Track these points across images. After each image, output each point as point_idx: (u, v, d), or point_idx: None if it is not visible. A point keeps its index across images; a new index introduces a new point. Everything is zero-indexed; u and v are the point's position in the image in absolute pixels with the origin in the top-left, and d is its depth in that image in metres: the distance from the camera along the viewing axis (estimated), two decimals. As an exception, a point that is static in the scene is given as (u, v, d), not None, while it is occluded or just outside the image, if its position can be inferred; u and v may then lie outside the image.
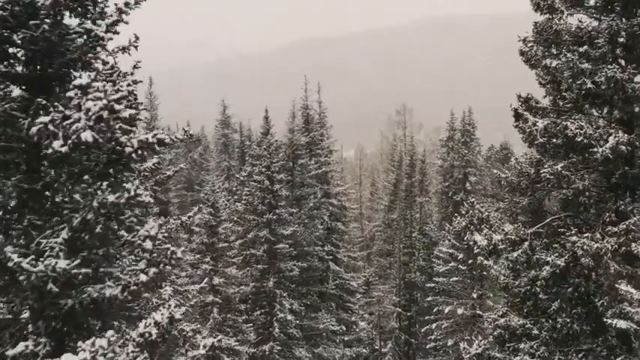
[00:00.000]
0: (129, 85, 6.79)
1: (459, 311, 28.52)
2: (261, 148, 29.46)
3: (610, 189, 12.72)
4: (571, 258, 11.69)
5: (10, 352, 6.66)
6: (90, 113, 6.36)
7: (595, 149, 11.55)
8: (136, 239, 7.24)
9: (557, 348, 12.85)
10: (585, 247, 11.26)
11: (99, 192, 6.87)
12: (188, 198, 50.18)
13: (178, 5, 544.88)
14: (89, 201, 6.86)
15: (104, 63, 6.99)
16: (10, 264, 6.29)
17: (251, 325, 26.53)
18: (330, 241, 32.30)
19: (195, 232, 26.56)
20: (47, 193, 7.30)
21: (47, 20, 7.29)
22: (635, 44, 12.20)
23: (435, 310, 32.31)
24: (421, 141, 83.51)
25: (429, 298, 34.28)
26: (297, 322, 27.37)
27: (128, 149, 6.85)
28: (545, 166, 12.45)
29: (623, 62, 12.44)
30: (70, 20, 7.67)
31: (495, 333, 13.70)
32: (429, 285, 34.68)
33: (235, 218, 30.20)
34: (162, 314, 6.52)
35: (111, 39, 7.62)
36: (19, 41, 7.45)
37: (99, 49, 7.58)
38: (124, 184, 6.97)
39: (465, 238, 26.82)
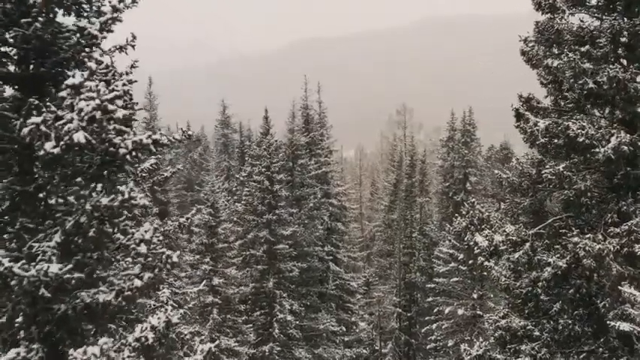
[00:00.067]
0: (124, 84, 6.63)
1: (460, 312, 28.42)
2: (261, 148, 29.38)
3: (612, 189, 12.62)
4: (573, 259, 11.59)
5: (2, 359, 6.53)
6: (82, 114, 6.23)
7: (597, 149, 11.46)
8: (131, 243, 7.08)
9: (558, 349, 12.76)
10: (587, 248, 11.18)
11: (94, 194, 6.72)
12: (188, 198, 50.09)
13: (179, 6, 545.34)
14: (82, 204, 6.72)
15: (98, 62, 6.81)
16: (1, 268, 6.16)
17: (251, 325, 26.47)
18: (330, 242, 32.22)
19: (195, 232, 26.48)
20: (40, 195, 7.15)
21: (40, 18, 7.15)
22: (637, 44, 12.09)
23: (435, 310, 32.23)
24: (421, 141, 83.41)
25: (430, 299, 34.20)
26: (297, 322, 27.30)
27: (122, 151, 6.71)
28: (547, 166, 12.36)
29: (624, 62, 12.36)
30: (64, 18, 7.54)
31: (496, 334, 13.61)
32: (429, 285, 34.60)
33: (235, 219, 30.14)
34: (158, 318, 6.39)
35: (105, 38, 7.47)
36: (11, 40, 7.32)
37: (93, 47, 7.42)
38: (118, 187, 6.81)
39: (466, 239, 26.72)
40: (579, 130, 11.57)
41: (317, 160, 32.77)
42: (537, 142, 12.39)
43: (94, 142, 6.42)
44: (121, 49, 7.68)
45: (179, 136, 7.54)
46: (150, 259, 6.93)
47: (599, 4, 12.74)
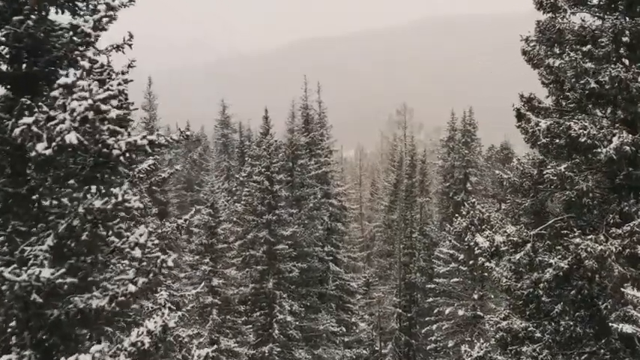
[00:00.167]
0: (119, 84, 6.49)
1: (460, 312, 28.38)
2: (261, 148, 29.31)
3: (614, 190, 12.53)
4: (574, 260, 11.49)
5: None
6: (75, 114, 6.09)
7: (599, 150, 11.36)
8: (126, 246, 6.95)
9: (560, 351, 12.67)
10: (589, 249, 11.08)
11: (88, 196, 6.59)
12: (187, 198, 50.00)
13: (178, 5, 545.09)
14: (75, 206, 6.58)
15: (91, 61, 6.67)
16: (-8, 273, 6.04)
17: (250, 326, 26.41)
18: (330, 242, 32.16)
19: (195, 233, 26.42)
20: (33, 197, 7.01)
21: (32, 16, 7.02)
22: (639, 43, 12.01)
23: (435, 311, 32.18)
24: (421, 141, 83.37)
25: (430, 299, 34.14)
26: (297, 323, 27.24)
27: (116, 152, 6.55)
28: (549, 166, 12.27)
29: (626, 62, 12.26)
30: (57, 16, 7.40)
31: (497, 336, 13.51)
32: (429, 286, 34.54)
33: (235, 219, 30.08)
34: (155, 322, 6.28)
35: (99, 36, 7.32)
36: (2, 38, 7.18)
37: (86, 46, 7.28)
38: (112, 189, 6.68)
39: (466, 239, 26.66)
40: (581, 131, 11.48)
41: (317, 160, 32.71)
42: (539, 143, 12.29)
43: (87, 143, 6.28)
44: (118, 48, 7.55)
45: (177, 136, 7.41)
46: (144, 263, 6.79)
47: (601, 3, 12.66)
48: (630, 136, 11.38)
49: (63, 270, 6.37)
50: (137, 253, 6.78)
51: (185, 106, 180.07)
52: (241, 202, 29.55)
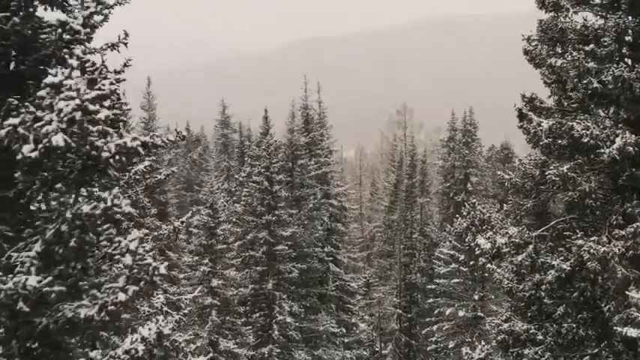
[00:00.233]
0: (112, 83, 6.32)
1: (460, 313, 28.26)
2: (261, 148, 29.21)
3: (617, 191, 12.44)
4: (577, 262, 11.41)
5: None
6: (62, 114, 5.91)
7: (602, 150, 11.26)
8: (117, 252, 6.73)
9: (562, 354, 12.59)
10: (592, 250, 10.98)
11: (80, 200, 6.39)
12: (187, 198, 49.92)
13: (178, 5, 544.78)
14: (63, 211, 6.39)
15: (80, 59, 6.44)
16: (-24, 280, 5.85)
17: (250, 327, 26.30)
18: (330, 242, 32.05)
19: (194, 233, 26.31)
20: (21, 201, 6.81)
21: (20, 13, 6.83)
22: (642, 43, 11.91)
23: (435, 311, 32.08)
24: (421, 141, 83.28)
25: (430, 300, 34.04)
26: (297, 324, 27.13)
27: (105, 154, 6.33)
28: (551, 167, 12.16)
29: (629, 61, 12.16)
30: (46, 13, 7.21)
31: (499, 338, 13.42)
32: (429, 286, 34.41)
33: (234, 219, 29.97)
34: (149, 329, 6.13)
35: (89, 33, 7.12)
36: (-12, 36, 6.97)
37: (75, 43, 7.08)
38: (100, 194, 6.45)
39: (467, 240, 26.57)
40: (584, 131, 11.37)
41: (317, 161, 32.59)
42: (541, 143, 12.19)
43: (75, 145, 6.09)
44: (113, 46, 7.38)
45: (173, 137, 7.25)
46: (135, 270, 6.57)
47: (604, 2, 12.56)
48: (633, 136, 11.28)
49: (50, 278, 6.15)
50: (128, 260, 6.52)
51: (185, 106, 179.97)
52: (241, 203, 29.44)
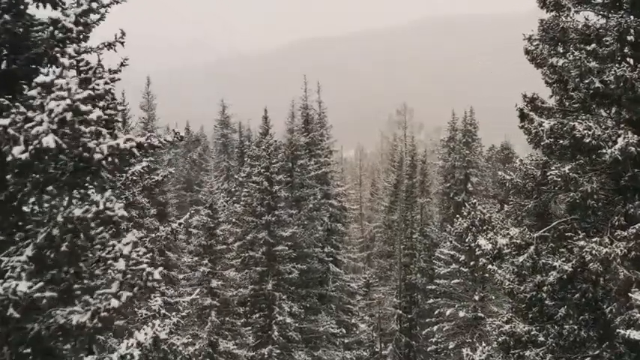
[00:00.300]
0: (106, 83, 6.19)
1: (461, 314, 28.18)
2: (260, 148, 29.14)
3: (619, 191, 12.36)
4: (578, 263, 11.32)
5: None
6: (53, 115, 5.76)
7: (603, 151, 11.18)
8: (110, 256, 6.57)
9: (563, 355, 12.51)
10: (593, 251, 10.89)
11: (73, 202, 6.26)
12: (187, 198, 49.87)
13: (178, 5, 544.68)
14: (54, 215, 6.25)
15: (73, 58, 6.27)
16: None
17: (250, 328, 26.24)
18: (330, 243, 31.98)
19: (193, 234, 26.23)
20: (13, 204, 6.64)
21: (11, 10, 6.69)
22: (644, 42, 11.82)
23: (436, 312, 32.00)
24: (422, 141, 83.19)
25: (430, 300, 33.96)
26: (297, 324, 27.06)
27: (97, 156, 6.16)
28: (552, 168, 12.08)
29: (631, 61, 12.09)
30: (37, 10, 7.07)
31: (500, 339, 13.34)
32: (430, 287, 34.34)
33: (234, 220, 29.89)
34: (145, 334, 6.02)
35: (82, 31, 6.98)
36: (-22, 34, 6.82)
37: (67, 42, 6.93)
38: (93, 197, 6.29)
39: (467, 240, 26.49)
40: (585, 131, 11.29)
41: (317, 161, 32.52)
42: (542, 143, 12.10)
43: (66, 146, 5.95)
44: (110, 46, 7.27)
45: (171, 137, 7.14)
46: (129, 276, 6.41)
47: (605, 1, 12.48)
48: (635, 136, 11.20)
49: (42, 283, 6.01)
50: (121, 264, 6.34)
51: (185, 106, 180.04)
52: (240, 203, 29.37)
